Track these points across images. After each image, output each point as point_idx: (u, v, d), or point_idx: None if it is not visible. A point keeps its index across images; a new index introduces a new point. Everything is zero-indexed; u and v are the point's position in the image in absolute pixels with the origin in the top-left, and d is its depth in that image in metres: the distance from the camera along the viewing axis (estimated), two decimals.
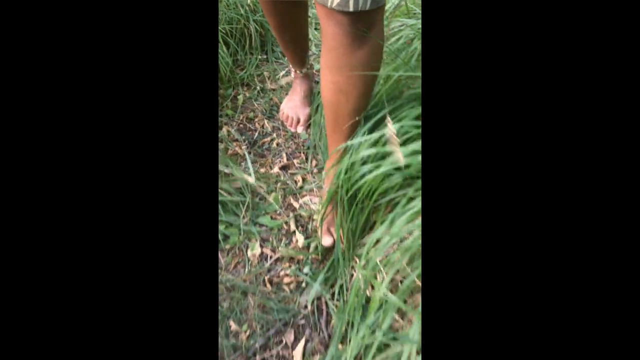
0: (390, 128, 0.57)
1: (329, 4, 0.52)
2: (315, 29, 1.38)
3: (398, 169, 0.60)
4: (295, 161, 0.98)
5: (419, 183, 0.59)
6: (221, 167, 0.91)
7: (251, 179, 0.89)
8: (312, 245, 0.80)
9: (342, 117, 0.66)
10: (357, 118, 0.66)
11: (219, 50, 1.13)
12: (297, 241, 0.82)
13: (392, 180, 0.60)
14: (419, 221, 0.52)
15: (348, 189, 0.68)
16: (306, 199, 0.89)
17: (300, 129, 1.03)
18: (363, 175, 0.64)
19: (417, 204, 0.54)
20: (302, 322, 0.71)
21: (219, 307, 0.71)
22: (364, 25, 0.55)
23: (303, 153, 0.99)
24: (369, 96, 0.65)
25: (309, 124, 1.03)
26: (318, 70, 1.17)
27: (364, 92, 0.63)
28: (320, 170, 0.95)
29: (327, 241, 0.77)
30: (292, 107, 1.03)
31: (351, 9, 0.51)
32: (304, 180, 0.94)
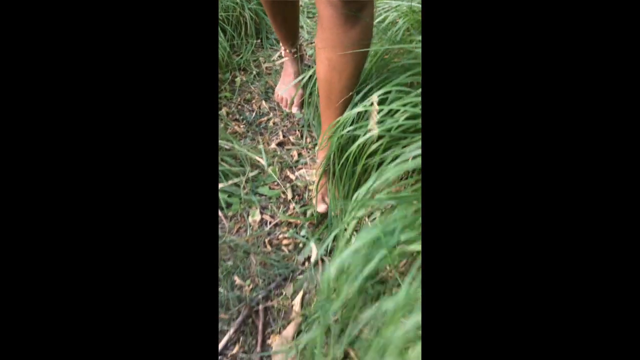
0: (375, 107, 0.63)
1: None
2: (308, 17, 1.45)
3: (388, 130, 0.67)
4: (290, 138, 1.04)
5: (404, 142, 0.66)
6: (222, 143, 0.97)
7: (260, 158, 0.95)
8: (308, 212, 0.87)
9: (335, 94, 0.73)
10: (349, 94, 0.72)
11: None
12: (294, 208, 0.88)
13: (379, 142, 0.67)
14: (405, 167, 0.59)
15: (340, 158, 0.74)
16: (302, 171, 0.96)
17: (294, 109, 1.10)
18: (353, 141, 0.71)
19: (403, 158, 0.61)
20: (300, 277, 0.77)
21: (224, 265, 0.78)
22: (356, 7, 0.61)
23: (298, 131, 1.06)
24: (359, 73, 0.71)
25: (302, 104, 1.10)
26: (310, 55, 1.23)
27: (355, 69, 0.69)
28: (314, 146, 1.01)
29: (321, 208, 0.84)
30: (286, 89, 1.10)
31: None
32: (299, 155, 1.00)
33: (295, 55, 1.08)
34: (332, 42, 0.65)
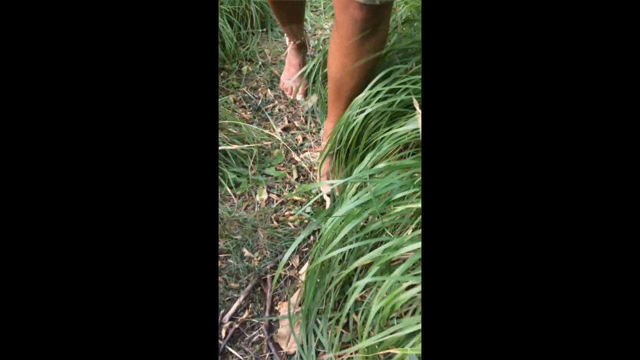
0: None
1: None
2: (311, 10, 1.49)
3: (390, 106, 0.71)
4: (295, 123, 1.08)
5: (402, 120, 0.70)
6: (231, 128, 1.02)
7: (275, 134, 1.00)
8: (313, 191, 0.91)
9: (344, 92, 0.76)
10: (359, 93, 0.75)
11: (224, 29, 1.23)
12: (299, 187, 0.93)
13: (382, 116, 0.71)
14: (401, 141, 0.63)
15: (343, 138, 0.79)
16: (306, 154, 1.00)
17: (299, 97, 1.14)
18: (355, 121, 0.75)
19: (400, 131, 0.65)
20: (306, 249, 0.81)
21: (233, 238, 0.82)
22: (375, 21, 0.64)
23: (302, 117, 1.10)
24: (371, 76, 0.75)
25: (307, 92, 1.14)
26: (314, 47, 1.28)
27: (367, 73, 0.73)
28: (318, 130, 1.06)
29: (326, 187, 0.88)
30: (290, 77, 1.14)
31: (366, 1, 0.59)
32: (304, 139, 1.04)
33: (300, 47, 1.12)
34: (347, 50, 0.69)
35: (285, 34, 1.11)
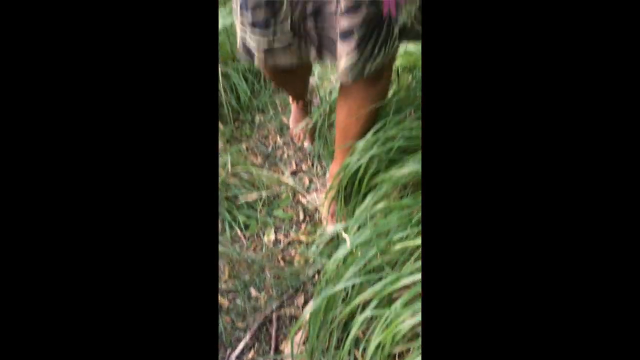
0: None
1: (343, 80, 0.66)
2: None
3: (388, 152, 0.77)
4: (302, 167, 1.15)
5: (401, 161, 0.75)
6: (243, 174, 1.08)
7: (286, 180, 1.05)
8: (318, 232, 0.95)
9: (350, 135, 0.83)
10: (363, 136, 0.81)
11: (240, 84, 1.35)
12: (305, 228, 0.97)
13: (381, 161, 0.76)
14: (400, 181, 0.67)
15: (347, 182, 0.84)
16: (313, 196, 1.05)
17: (306, 144, 1.21)
18: (356, 165, 0.80)
19: (400, 173, 0.70)
20: (311, 289, 0.83)
21: (242, 278, 0.85)
22: (377, 77, 0.71)
23: (309, 161, 1.17)
24: (375, 120, 0.81)
25: (314, 138, 1.21)
26: (320, 99, 1.37)
27: (371, 117, 0.80)
28: (324, 174, 1.11)
29: (330, 227, 0.92)
30: (297, 126, 1.22)
31: (352, 79, 0.65)
32: (310, 181, 1.10)
33: (305, 105, 1.16)
34: (352, 96, 0.76)
35: (290, 97, 1.16)
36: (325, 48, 0.68)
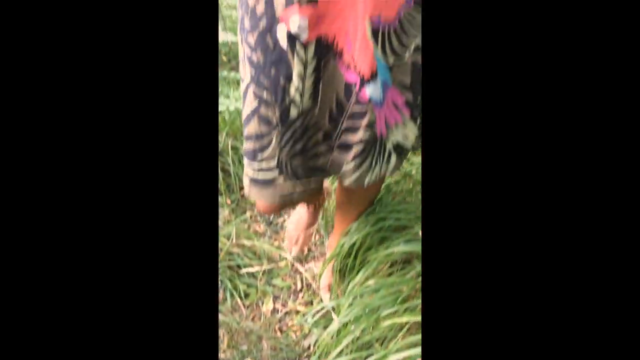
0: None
1: (345, 184, 0.67)
2: None
3: (379, 231, 0.84)
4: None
5: (391, 239, 0.82)
6: (245, 241, 1.15)
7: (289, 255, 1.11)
8: (315, 301, 0.99)
9: (349, 217, 0.91)
10: (360, 216, 0.89)
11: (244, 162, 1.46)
12: (302, 297, 1.01)
13: (374, 237, 0.83)
14: (391, 257, 0.73)
15: (344, 254, 0.90)
16: (311, 264, 1.10)
17: (295, 251, 1.15)
18: (354, 243, 0.87)
19: (393, 250, 0.76)
20: None
21: (240, 348, 0.88)
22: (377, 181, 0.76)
23: None
24: (372, 202, 0.90)
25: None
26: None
27: (369, 200, 0.89)
28: (322, 243, 1.18)
29: (326, 297, 0.96)
30: (301, 234, 1.16)
31: (355, 185, 0.66)
32: (309, 250, 1.16)
33: (315, 210, 1.10)
34: (349, 188, 0.82)
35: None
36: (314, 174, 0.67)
